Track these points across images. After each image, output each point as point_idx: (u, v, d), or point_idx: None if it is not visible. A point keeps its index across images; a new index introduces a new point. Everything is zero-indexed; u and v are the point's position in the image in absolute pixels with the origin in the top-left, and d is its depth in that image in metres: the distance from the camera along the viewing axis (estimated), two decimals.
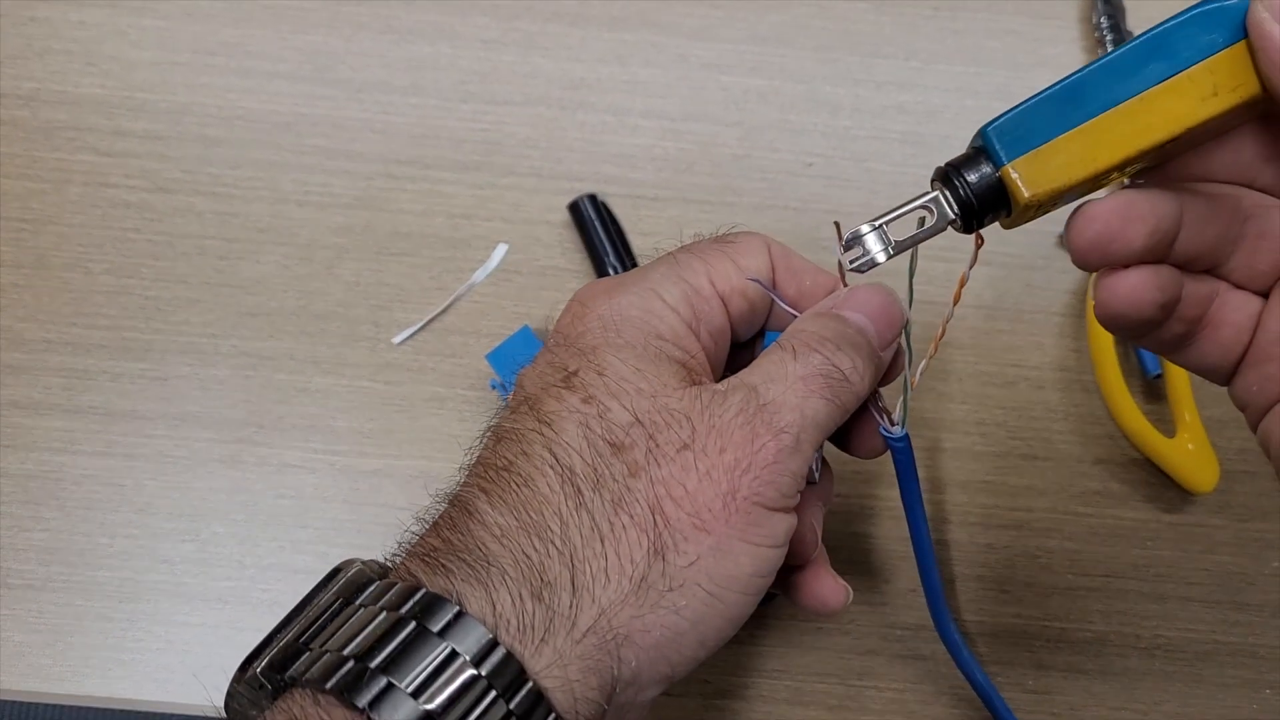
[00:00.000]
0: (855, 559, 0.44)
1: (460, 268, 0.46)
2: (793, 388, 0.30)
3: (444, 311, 0.46)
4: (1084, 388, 0.46)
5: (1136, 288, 0.27)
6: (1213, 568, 0.45)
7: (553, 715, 0.26)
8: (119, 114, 0.47)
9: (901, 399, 0.32)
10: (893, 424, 0.32)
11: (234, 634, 0.42)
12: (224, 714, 0.30)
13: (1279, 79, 0.25)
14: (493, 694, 0.26)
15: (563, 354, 0.31)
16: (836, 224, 0.32)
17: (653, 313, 0.31)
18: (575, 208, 0.46)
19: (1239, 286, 0.30)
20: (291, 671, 0.27)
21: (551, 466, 0.29)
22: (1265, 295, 0.30)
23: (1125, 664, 0.44)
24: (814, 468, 0.33)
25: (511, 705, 0.26)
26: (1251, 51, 0.26)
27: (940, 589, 0.37)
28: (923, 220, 0.29)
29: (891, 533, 0.44)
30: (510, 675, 0.26)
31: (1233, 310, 0.30)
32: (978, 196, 0.27)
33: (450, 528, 0.29)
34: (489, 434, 0.31)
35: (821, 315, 0.32)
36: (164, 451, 0.44)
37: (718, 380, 0.32)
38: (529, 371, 0.32)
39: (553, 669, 0.27)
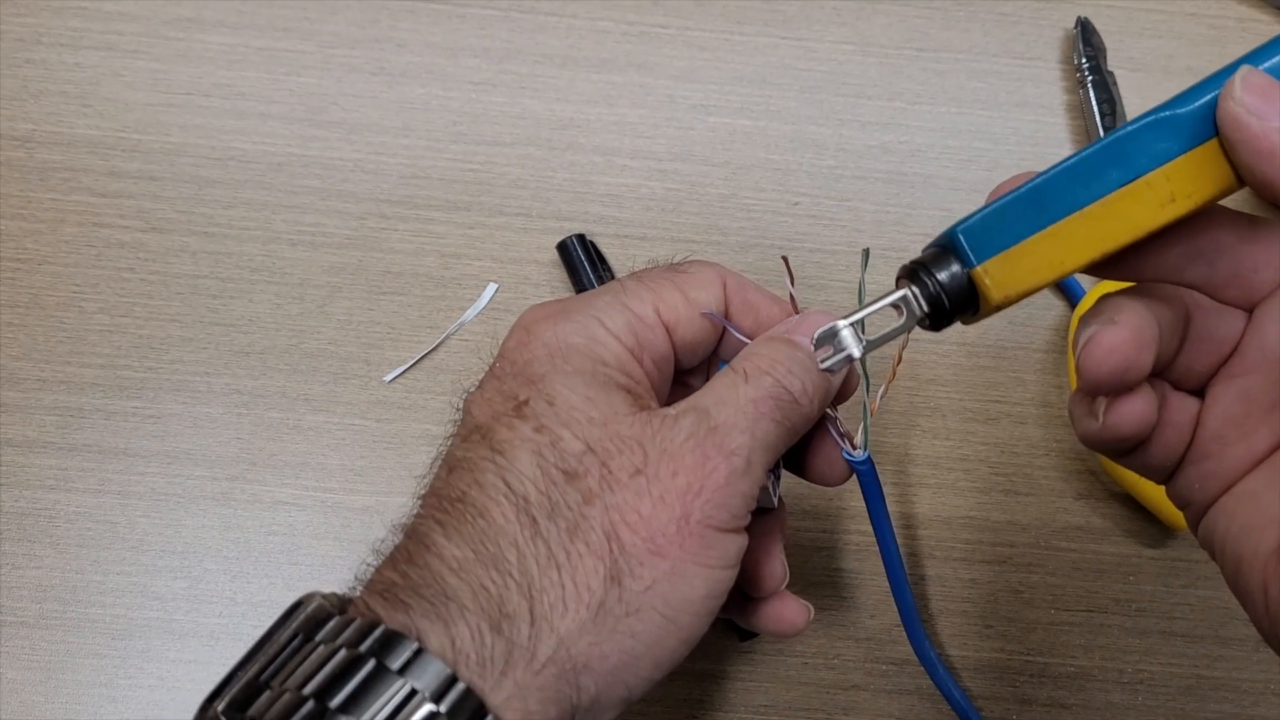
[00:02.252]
0: (840, 595, 0.45)
1: (451, 306, 0.47)
2: (743, 410, 0.30)
3: (434, 350, 0.46)
4: (1065, 423, 0.47)
5: (1146, 412, 0.29)
6: (1194, 602, 0.45)
7: None
8: (114, 155, 0.48)
9: (862, 424, 0.33)
10: (855, 448, 0.33)
11: (225, 670, 0.42)
12: None
13: (1267, 167, 0.26)
14: None
15: (511, 382, 0.31)
16: (785, 258, 0.34)
17: (596, 340, 0.32)
18: (564, 247, 0.47)
19: (1176, 387, 0.31)
20: (251, 711, 0.27)
21: (506, 496, 0.29)
22: (1199, 394, 0.31)
23: (1108, 698, 0.44)
24: (772, 491, 0.34)
25: None
26: (1227, 146, 0.26)
27: (914, 607, 0.38)
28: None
29: (875, 568, 0.45)
30: (470, 711, 0.26)
31: (1175, 411, 0.30)
32: (949, 296, 0.28)
33: (407, 561, 0.29)
34: (440, 463, 0.32)
35: (773, 340, 0.32)
36: (157, 489, 0.45)
37: (663, 404, 0.32)
38: (477, 398, 0.32)
39: (513, 701, 0.27)
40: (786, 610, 0.35)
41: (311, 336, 0.46)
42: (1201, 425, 0.30)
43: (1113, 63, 0.50)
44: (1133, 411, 0.29)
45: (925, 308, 0.28)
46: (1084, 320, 0.29)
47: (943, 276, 0.28)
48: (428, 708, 0.26)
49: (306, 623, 0.29)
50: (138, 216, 0.47)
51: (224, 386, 0.46)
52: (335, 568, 0.44)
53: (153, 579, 0.44)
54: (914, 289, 0.28)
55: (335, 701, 0.26)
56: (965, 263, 0.27)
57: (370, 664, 0.26)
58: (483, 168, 0.48)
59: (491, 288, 0.47)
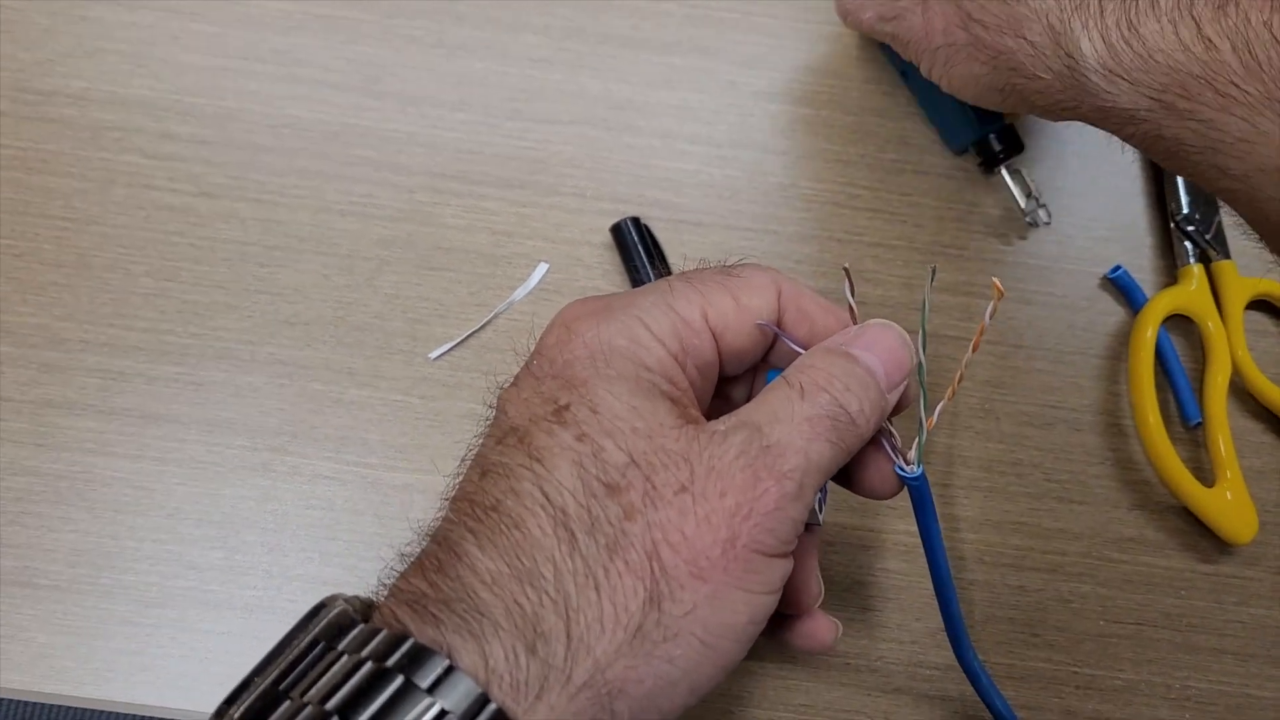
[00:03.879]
0: (885, 595, 0.44)
1: (500, 285, 0.46)
2: (798, 429, 0.29)
3: (482, 328, 0.46)
4: (1122, 432, 0.46)
5: None
6: (1247, 620, 0.44)
7: None
8: (167, 117, 0.47)
9: (917, 440, 0.32)
10: (908, 463, 0.32)
11: (259, 644, 0.41)
12: None
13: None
14: None
15: (551, 384, 0.30)
16: (846, 269, 0.32)
17: (639, 343, 0.30)
18: (618, 229, 0.46)
19: None
20: None
21: (543, 507, 0.28)
22: None
23: (1154, 714, 0.43)
24: (818, 509, 0.33)
25: None
26: None
27: (963, 625, 0.37)
28: None
29: (921, 569, 0.44)
30: None
31: None
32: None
33: (437, 570, 0.28)
34: (473, 465, 0.30)
35: (831, 352, 0.31)
36: (196, 457, 0.44)
37: (704, 413, 0.31)
38: (513, 397, 0.30)
39: None
40: (817, 628, 0.34)
41: (358, 309, 0.46)
42: None
43: None
44: None
45: None
46: None
47: None
48: None
49: (329, 629, 0.28)
50: (189, 180, 0.46)
51: (268, 356, 0.45)
52: (374, 544, 0.43)
53: (188, 548, 0.43)
54: None
55: (360, 719, 0.25)
56: None
57: (398, 680, 0.25)
58: (538, 146, 0.48)
59: (542, 268, 0.46)
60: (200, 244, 0.46)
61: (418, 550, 0.29)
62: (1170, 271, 0.48)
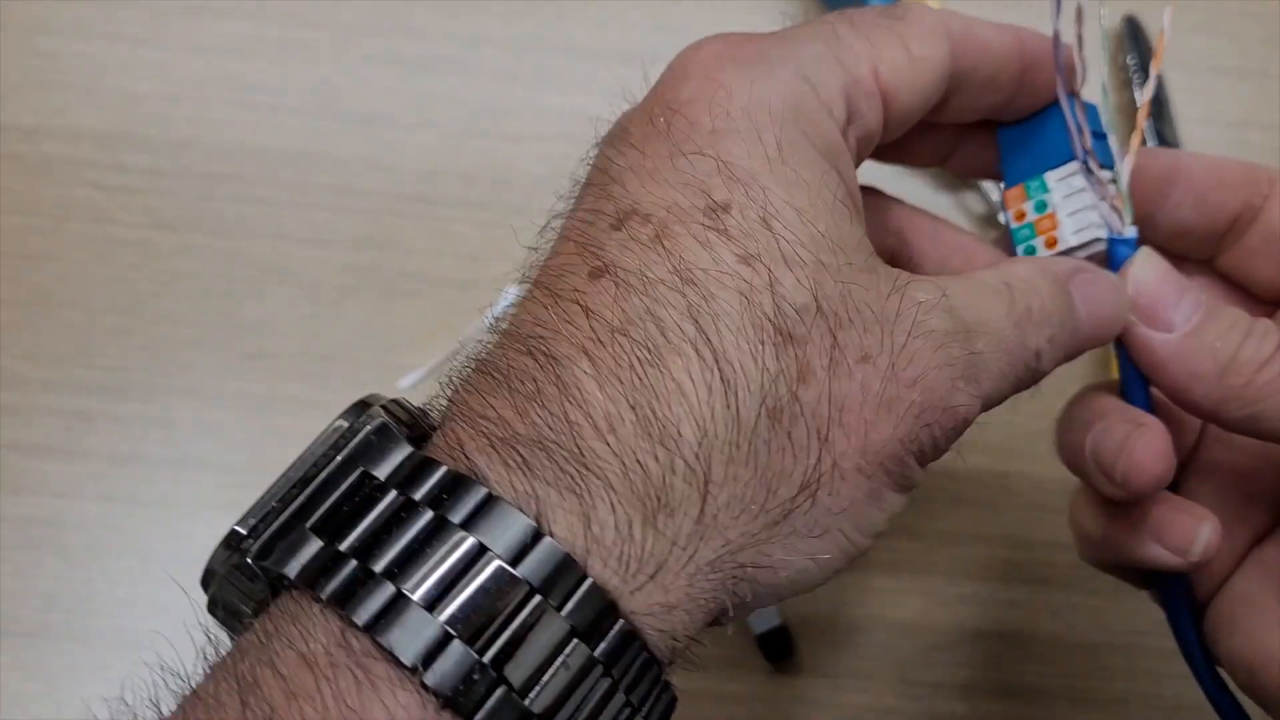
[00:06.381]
0: (872, 612, 0.43)
1: (469, 309, 0.45)
2: (997, 357, 0.25)
3: (452, 355, 0.45)
4: None
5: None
6: None
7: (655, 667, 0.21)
8: (120, 148, 0.46)
9: (1116, 187, 0.28)
10: (1124, 222, 0.28)
11: None
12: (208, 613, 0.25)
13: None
14: (575, 641, 0.20)
15: (699, 164, 0.23)
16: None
17: (808, 115, 0.23)
18: None
19: None
20: (287, 567, 0.21)
21: (694, 346, 0.22)
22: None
23: None
24: None
25: (597, 652, 0.20)
26: None
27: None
28: None
29: (909, 586, 0.43)
30: (607, 627, 0.21)
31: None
32: None
33: (532, 397, 0.22)
34: (572, 247, 0.24)
35: (1055, 281, 0.26)
36: (165, 497, 0.43)
37: None
38: (634, 161, 0.24)
39: (655, 609, 0.21)
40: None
41: (324, 340, 0.45)
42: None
43: (1163, 64, 0.48)
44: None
45: None
46: (1093, 428, 0.29)
47: None
48: (559, 626, 0.20)
49: (364, 446, 0.23)
50: (144, 213, 0.45)
51: (234, 391, 0.44)
52: None
53: (162, 590, 0.42)
54: None
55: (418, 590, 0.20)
56: None
57: (466, 543, 0.20)
58: (504, 164, 0.46)
59: (512, 291, 0.45)
60: (160, 278, 0.45)
61: (499, 353, 0.23)
62: None
